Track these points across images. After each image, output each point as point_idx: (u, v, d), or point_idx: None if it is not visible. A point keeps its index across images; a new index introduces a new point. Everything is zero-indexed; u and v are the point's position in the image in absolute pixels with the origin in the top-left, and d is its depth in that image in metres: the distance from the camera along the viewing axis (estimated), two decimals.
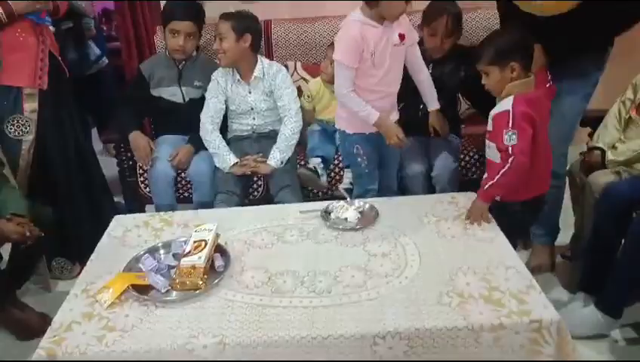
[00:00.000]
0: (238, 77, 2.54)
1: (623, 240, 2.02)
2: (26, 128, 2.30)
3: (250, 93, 2.56)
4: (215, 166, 2.53)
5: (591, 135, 2.46)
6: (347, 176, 2.55)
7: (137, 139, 2.56)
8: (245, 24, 2.44)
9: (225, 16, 2.46)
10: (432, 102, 2.37)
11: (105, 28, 5.08)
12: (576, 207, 2.44)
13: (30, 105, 2.29)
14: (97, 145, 3.44)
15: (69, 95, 2.50)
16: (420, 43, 2.31)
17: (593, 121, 2.44)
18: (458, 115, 2.75)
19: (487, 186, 1.89)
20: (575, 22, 1.92)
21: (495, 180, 1.87)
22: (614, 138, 2.28)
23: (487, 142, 1.98)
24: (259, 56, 2.56)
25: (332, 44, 2.44)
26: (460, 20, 2.42)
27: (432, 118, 2.42)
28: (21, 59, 2.24)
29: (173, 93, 2.67)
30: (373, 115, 2.14)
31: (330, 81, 2.58)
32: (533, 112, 1.85)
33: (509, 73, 1.87)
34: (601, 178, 2.18)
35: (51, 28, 2.39)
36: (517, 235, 2.16)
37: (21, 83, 2.26)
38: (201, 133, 2.55)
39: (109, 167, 2.87)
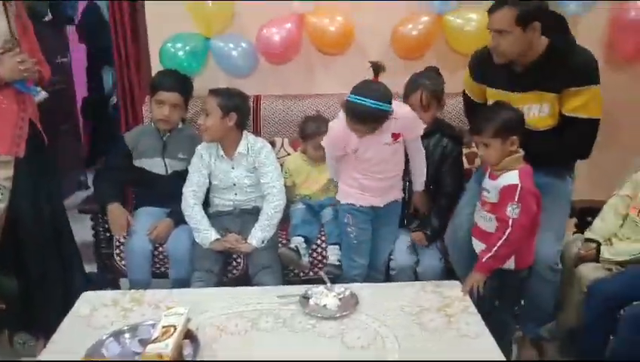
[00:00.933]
0: (221, 152, 2.51)
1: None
2: None
3: (233, 168, 2.52)
4: (194, 241, 2.46)
5: (577, 226, 2.44)
6: (334, 253, 2.48)
7: (115, 211, 2.50)
8: (232, 102, 2.44)
9: (213, 92, 2.46)
10: (418, 184, 2.38)
11: None
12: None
13: (5, 173, 2.23)
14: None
15: (47, 164, 2.45)
16: None
17: (578, 211, 2.43)
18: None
19: (485, 259, 1.94)
20: (547, 137, 2.15)
21: (493, 253, 1.93)
22: (611, 232, 2.27)
23: (483, 213, 2.05)
24: (244, 132, 2.55)
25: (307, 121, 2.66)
26: (438, 95, 2.40)
27: (416, 198, 2.44)
28: (0, 126, 2.20)
29: (156, 165, 2.64)
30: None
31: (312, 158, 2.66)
32: (534, 187, 1.97)
33: (509, 146, 1.96)
34: (591, 272, 2.13)
35: (42, 94, 2.38)
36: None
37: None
38: (183, 207, 2.49)
39: (84, 233, 2.79)
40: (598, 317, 2.01)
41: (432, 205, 2.46)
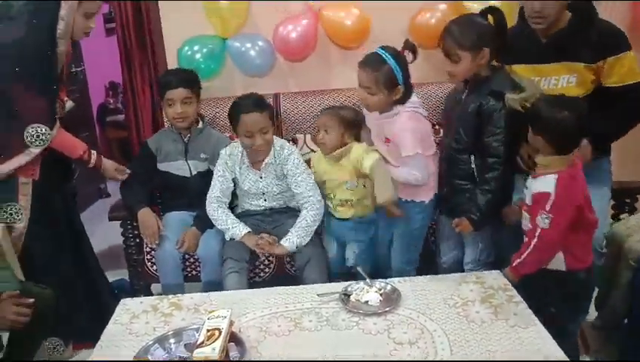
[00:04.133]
0: (246, 162, 2.45)
1: None
2: (18, 216, 2.25)
3: (261, 178, 2.46)
4: (224, 242, 2.44)
5: (614, 207, 2.39)
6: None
7: (146, 217, 2.47)
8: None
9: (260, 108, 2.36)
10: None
11: (111, 101, 5.11)
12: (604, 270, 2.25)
13: (25, 194, 2.26)
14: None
15: (62, 179, 2.48)
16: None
17: (615, 193, 2.38)
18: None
19: (515, 263, 1.87)
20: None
21: (522, 259, 1.85)
22: None
23: (523, 211, 1.93)
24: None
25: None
26: (466, 47, 2.01)
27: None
28: None
29: (179, 167, 2.62)
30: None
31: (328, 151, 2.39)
32: (578, 191, 1.80)
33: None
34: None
35: (68, 104, 2.47)
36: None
37: (19, 172, 2.24)
38: (208, 212, 2.45)
39: (113, 238, 2.78)
40: None
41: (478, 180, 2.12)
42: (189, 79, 2.58)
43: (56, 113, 2.28)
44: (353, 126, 2.34)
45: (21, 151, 2.20)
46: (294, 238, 2.34)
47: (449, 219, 2.25)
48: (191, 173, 2.62)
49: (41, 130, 2.20)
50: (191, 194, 2.60)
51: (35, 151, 2.21)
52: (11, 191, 2.25)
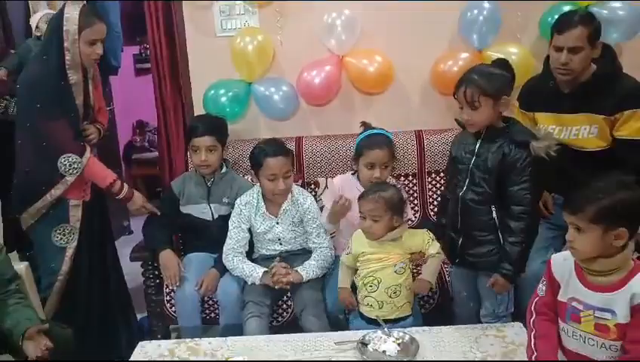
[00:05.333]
0: (263, 210, 2.50)
1: None
2: (71, 236, 2.41)
3: (277, 224, 2.51)
4: (243, 286, 2.45)
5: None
6: None
7: (167, 258, 2.50)
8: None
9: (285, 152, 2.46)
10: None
11: (138, 139, 5.23)
12: None
13: (75, 215, 2.42)
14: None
15: (105, 204, 2.64)
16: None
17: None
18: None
19: None
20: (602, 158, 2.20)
21: None
22: None
23: (596, 339, 1.52)
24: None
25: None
26: (488, 94, 1.98)
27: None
28: None
29: (202, 211, 2.65)
30: None
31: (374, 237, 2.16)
32: None
33: (612, 240, 1.45)
34: None
35: None
36: None
37: (69, 195, 2.40)
38: (225, 263, 2.48)
39: (134, 276, 2.84)
40: None
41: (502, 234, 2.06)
42: (215, 127, 2.63)
43: (82, 141, 2.42)
44: (398, 207, 2.14)
45: (59, 181, 2.35)
46: (310, 270, 2.40)
47: (464, 271, 2.23)
48: (213, 217, 2.65)
49: (72, 159, 2.36)
50: (212, 237, 2.62)
51: (70, 179, 2.35)
52: (64, 213, 2.41)
